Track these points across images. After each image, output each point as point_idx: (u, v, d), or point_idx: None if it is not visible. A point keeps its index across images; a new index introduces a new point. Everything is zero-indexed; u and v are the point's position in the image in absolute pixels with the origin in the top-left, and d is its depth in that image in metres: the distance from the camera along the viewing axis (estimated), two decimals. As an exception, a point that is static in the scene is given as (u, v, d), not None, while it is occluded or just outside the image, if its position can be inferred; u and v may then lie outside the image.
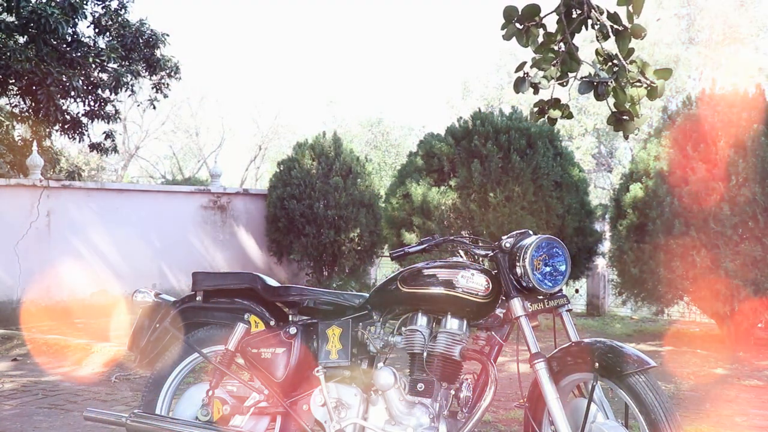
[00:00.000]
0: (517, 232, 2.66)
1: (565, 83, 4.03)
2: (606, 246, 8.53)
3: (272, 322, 2.91)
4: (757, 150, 6.36)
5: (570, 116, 4.24)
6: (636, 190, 7.14)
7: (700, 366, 5.97)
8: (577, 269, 8.22)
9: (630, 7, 3.73)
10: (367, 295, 2.88)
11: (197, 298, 3.03)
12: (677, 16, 26.11)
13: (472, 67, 48.31)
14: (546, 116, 4.13)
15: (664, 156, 7.00)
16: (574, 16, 3.85)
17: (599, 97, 3.79)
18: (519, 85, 4.02)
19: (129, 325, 3.35)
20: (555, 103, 4.18)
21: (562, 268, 2.57)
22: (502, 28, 3.85)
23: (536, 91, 4.05)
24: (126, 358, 5.76)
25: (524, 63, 4.00)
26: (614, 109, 3.89)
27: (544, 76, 3.85)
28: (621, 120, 3.86)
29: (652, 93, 3.70)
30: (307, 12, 49.69)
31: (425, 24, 50.17)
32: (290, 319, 2.96)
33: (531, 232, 2.64)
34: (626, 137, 4.06)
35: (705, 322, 8.54)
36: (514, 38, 3.92)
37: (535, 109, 4.25)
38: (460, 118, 8.52)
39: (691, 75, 25.94)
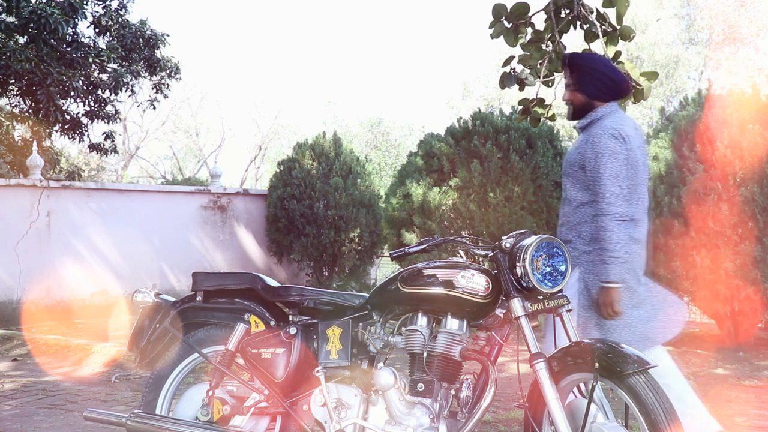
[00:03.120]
0: (517, 232, 2.66)
1: (550, 83, 4.04)
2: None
3: (272, 322, 2.91)
4: (755, 150, 6.37)
5: (553, 117, 4.25)
6: (636, 190, 7.14)
7: (700, 366, 5.97)
8: (577, 269, 8.21)
9: (617, 8, 3.75)
10: (367, 295, 2.88)
11: (197, 299, 3.03)
12: (677, 16, 26.13)
13: (472, 68, 48.31)
14: (529, 116, 4.15)
15: (662, 157, 7.00)
16: (563, 15, 3.86)
17: None
18: (505, 81, 4.03)
19: (129, 325, 3.36)
20: (539, 102, 4.20)
21: (562, 268, 2.57)
22: (491, 26, 3.86)
23: (522, 88, 4.07)
24: (126, 358, 5.75)
25: (511, 57, 4.01)
26: None
27: (531, 73, 3.87)
28: None
29: (638, 95, 3.71)
30: (307, 12, 49.73)
31: (425, 24, 50.21)
32: (290, 319, 2.96)
33: (531, 232, 2.64)
34: None
35: (705, 322, 8.54)
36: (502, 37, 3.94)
37: (520, 107, 4.27)
38: (460, 118, 8.52)
39: (690, 75, 25.95)
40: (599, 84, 3.13)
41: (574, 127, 3.33)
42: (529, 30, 3.91)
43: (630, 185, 3.03)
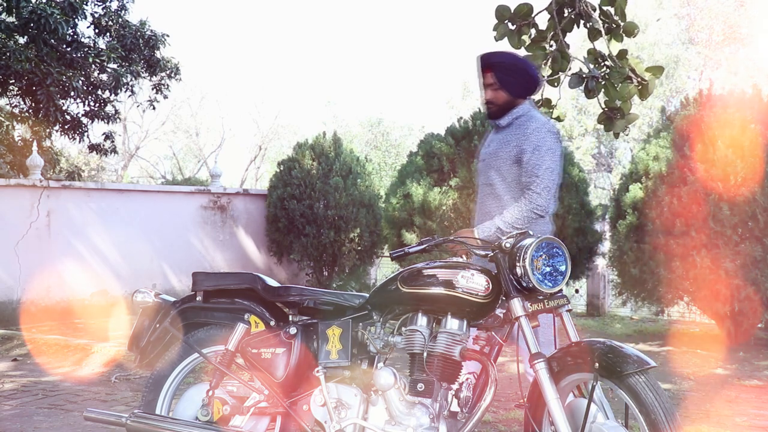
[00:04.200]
0: (517, 232, 2.66)
1: (555, 83, 4.02)
2: (606, 246, 8.54)
3: (272, 322, 2.91)
4: (756, 150, 6.37)
5: (559, 119, 4.24)
6: (636, 190, 7.15)
7: (700, 366, 5.97)
8: (577, 269, 8.21)
9: (615, 7, 3.73)
10: (367, 295, 2.88)
11: (197, 299, 3.03)
12: (677, 16, 26.12)
13: (473, 68, 48.21)
14: None
15: (663, 156, 7.00)
16: (566, 14, 3.85)
17: (589, 93, 3.80)
18: None
19: (129, 325, 3.35)
20: (545, 102, 4.18)
21: (562, 268, 2.57)
22: (494, 29, 3.85)
23: None
24: (126, 358, 5.75)
25: None
26: (604, 107, 3.90)
27: None
28: (611, 118, 3.87)
29: (644, 91, 3.71)
30: (307, 12, 49.72)
31: (425, 24, 50.21)
32: (290, 319, 2.96)
33: (531, 232, 2.64)
34: (616, 136, 4.08)
35: (705, 322, 8.54)
36: (506, 39, 3.93)
37: None
38: (460, 118, 8.52)
39: (690, 75, 25.95)
40: (522, 81, 3.22)
41: (493, 125, 3.37)
42: (533, 30, 3.90)
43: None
